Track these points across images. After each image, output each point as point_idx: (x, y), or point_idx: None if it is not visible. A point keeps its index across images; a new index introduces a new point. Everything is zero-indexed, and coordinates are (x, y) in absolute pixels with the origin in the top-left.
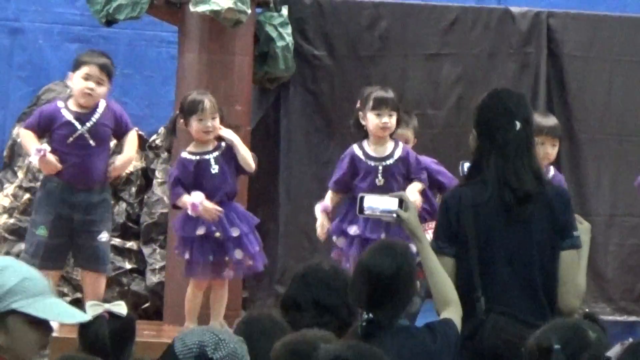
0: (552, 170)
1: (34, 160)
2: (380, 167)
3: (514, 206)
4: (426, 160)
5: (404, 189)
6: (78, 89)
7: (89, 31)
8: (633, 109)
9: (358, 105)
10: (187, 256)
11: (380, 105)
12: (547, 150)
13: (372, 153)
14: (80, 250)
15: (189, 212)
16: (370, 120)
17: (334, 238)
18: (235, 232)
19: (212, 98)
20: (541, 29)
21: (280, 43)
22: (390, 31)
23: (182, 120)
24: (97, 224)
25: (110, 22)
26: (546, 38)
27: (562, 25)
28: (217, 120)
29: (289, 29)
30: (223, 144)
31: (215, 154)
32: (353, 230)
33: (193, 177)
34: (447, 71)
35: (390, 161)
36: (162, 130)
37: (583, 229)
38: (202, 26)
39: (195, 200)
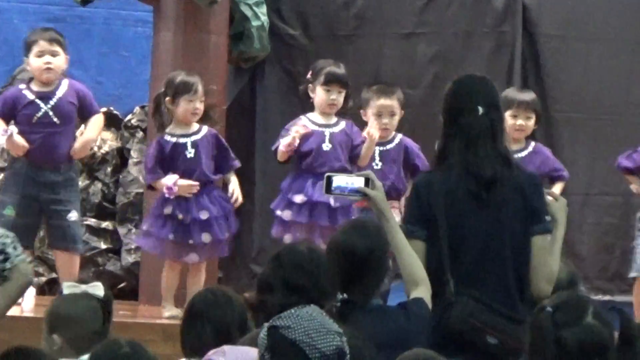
0: (531, 145)
1: (0, 141)
2: (328, 133)
3: (481, 192)
4: (409, 142)
5: (347, 160)
6: (36, 68)
7: (65, 11)
8: (609, 88)
9: (309, 76)
10: (145, 227)
11: (331, 82)
12: (520, 122)
13: (318, 121)
14: (51, 230)
15: (165, 194)
16: (319, 94)
17: (278, 212)
18: (204, 215)
19: (202, 81)
20: (517, 7)
21: (255, 22)
22: (365, 10)
23: (168, 99)
24: (64, 203)
25: (85, 1)
26: (522, 17)
27: (538, 3)
28: (203, 104)
29: (264, 8)
30: (203, 130)
31: (194, 137)
32: (299, 198)
33: (169, 158)
34: (423, 50)
35: (336, 129)
36: (137, 109)
37: (559, 205)
38: (177, 5)
39: (169, 182)
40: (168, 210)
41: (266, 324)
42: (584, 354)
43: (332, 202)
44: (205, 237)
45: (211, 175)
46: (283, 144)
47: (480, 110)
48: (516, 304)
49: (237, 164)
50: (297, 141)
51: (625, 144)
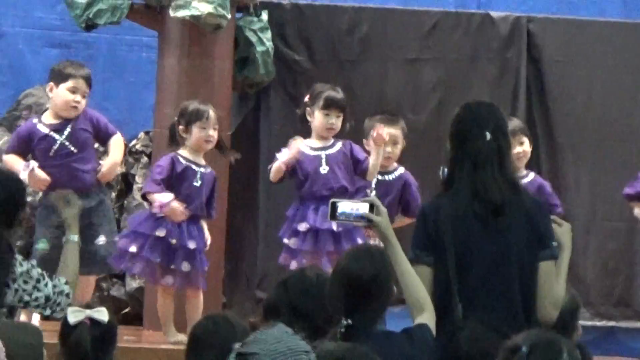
0: (531, 175)
1: (23, 176)
2: (324, 155)
3: (488, 217)
4: (409, 177)
5: (349, 179)
6: (63, 102)
7: (69, 36)
8: (612, 113)
9: (306, 99)
10: (132, 249)
11: (330, 106)
12: (518, 150)
13: (315, 145)
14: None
15: (155, 210)
16: (318, 118)
17: (285, 241)
18: (191, 245)
19: (215, 110)
20: (521, 33)
21: (260, 48)
22: (370, 36)
23: (181, 127)
24: (94, 227)
25: (90, 26)
26: (526, 43)
27: (542, 30)
28: (217, 132)
29: (269, 34)
30: (209, 168)
31: (203, 170)
32: (303, 226)
33: (175, 178)
34: (428, 76)
35: (332, 150)
36: (142, 135)
37: (564, 230)
38: (182, 31)
39: (163, 200)
40: (161, 232)
41: (235, 349)
42: None
43: (334, 227)
44: (185, 266)
45: (204, 211)
46: (282, 160)
47: (488, 135)
48: (523, 327)
49: (215, 215)
50: (296, 156)
51: (629, 170)
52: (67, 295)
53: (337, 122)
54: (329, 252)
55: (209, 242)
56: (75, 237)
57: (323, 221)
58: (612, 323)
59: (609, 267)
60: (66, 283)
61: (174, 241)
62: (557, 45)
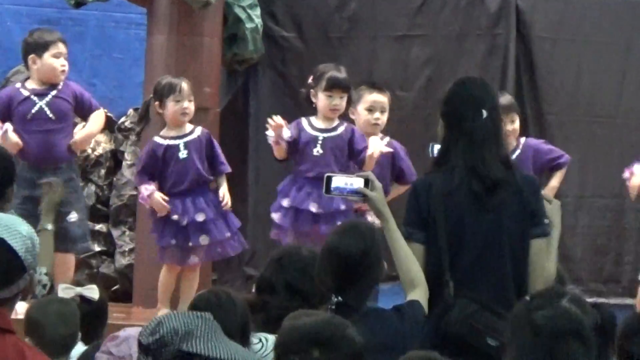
0: (521, 143)
1: None
2: (321, 138)
3: (482, 194)
4: (396, 145)
5: (342, 164)
6: (51, 69)
7: (58, 13)
8: (601, 90)
9: (310, 81)
10: (156, 239)
11: (332, 87)
12: (507, 128)
13: (317, 125)
14: None
15: (141, 202)
16: (321, 100)
17: (272, 215)
18: (200, 217)
19: (188, 82)
20: (510, 10)
21: (249, 25)
22: (359, 12)
23: (156, 103)
24: (64, 204)
25: (79, 3)
26: (515, 19)
27: (531, 6)
28: (192, 104)
29: (258, 11)
30: (197, 130)
31: (186, 139)
32: (285, 202)
33: (162, 161)
34: (416, 52)
35: (332, 134)
36: (131, 112)
37: (553, 207)
38: (171, 8)
39: (145, 192)
40: (173, 215)
41: None
42: (557, 335)
43: (313, 209)
44: (203, 239)
45: (206, 174)
46: (271, 142)
47: (485, 113)
48: (512, 302)
49: (228, 168)
50: (282, 133)
51: (618, 146)
52: (44, 286)
53: (341, 102)
54: (306, 233)
55: (229, 203)
56: (49, 226)
57: (303, 201)
58: (601, 299)
59: (599, 243)
60: (46, 274)
61: (176, 217)
62: (546, 22)
